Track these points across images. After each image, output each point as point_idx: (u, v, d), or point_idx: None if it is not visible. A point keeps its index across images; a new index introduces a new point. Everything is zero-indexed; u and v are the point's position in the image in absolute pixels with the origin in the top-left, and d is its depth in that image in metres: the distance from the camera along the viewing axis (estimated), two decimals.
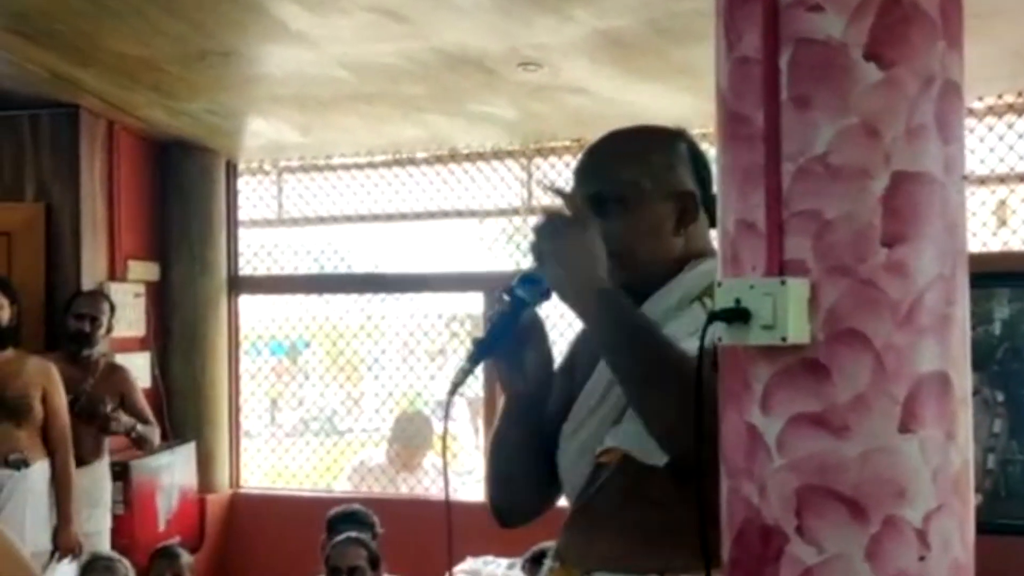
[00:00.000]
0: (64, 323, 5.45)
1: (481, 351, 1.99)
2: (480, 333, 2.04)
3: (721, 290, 1.59)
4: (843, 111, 1.53)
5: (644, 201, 1.98)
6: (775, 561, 1.55)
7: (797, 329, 1.52)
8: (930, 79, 1.55)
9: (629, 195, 1.98)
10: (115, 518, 5.48)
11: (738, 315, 1.55)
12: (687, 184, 2.01)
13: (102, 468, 5.44)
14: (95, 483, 5.36)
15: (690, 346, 1.76)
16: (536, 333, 2.05)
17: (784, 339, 1.52)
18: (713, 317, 1.58)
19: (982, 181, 5.35)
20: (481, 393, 6.53)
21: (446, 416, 2.11)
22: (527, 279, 2.01)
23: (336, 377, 7.80)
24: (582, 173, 2.07)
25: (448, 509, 2.00)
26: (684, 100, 4.93)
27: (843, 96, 1.53)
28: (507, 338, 2.01)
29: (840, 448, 1.52)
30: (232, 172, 6.75)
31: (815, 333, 1.53)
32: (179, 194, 6.47)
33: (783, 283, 1.53)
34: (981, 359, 4.93)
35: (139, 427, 5.35)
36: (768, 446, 1.56)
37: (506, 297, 2.01)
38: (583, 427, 1.98)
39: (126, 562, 4.72)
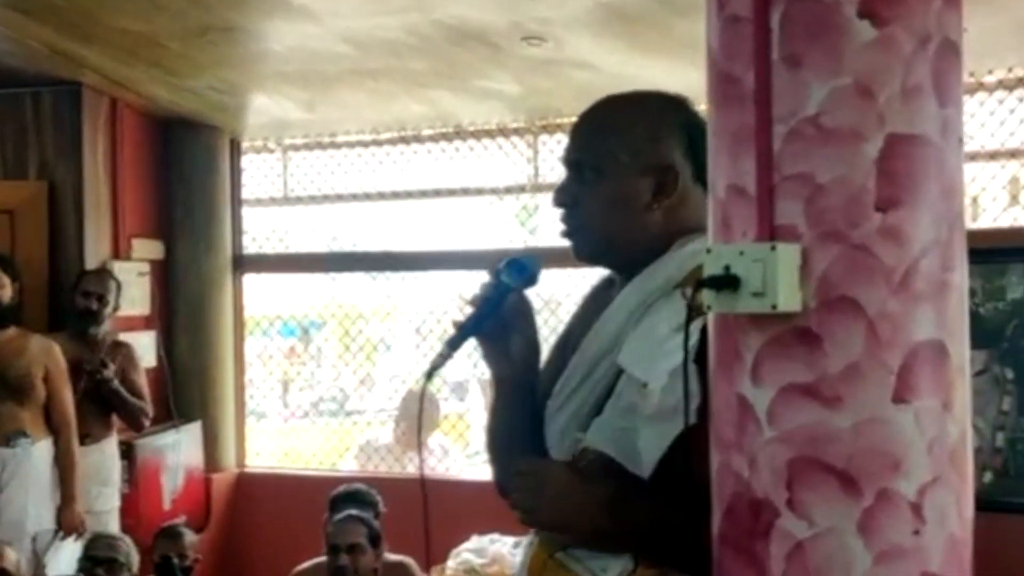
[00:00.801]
0: (71, 301, 5.43)
1: (461, 335, 1.97)
2: (461, 317, 2.01)
3: (710, 256, 1.55)
4: (836, 71, 1.48)
5: (618, 173, 1.94)
6: (765, 535, 1.51)
7: (788, 296, 1.48)
8: (926, 38, 1.50)
9: (603, 166, 1.95)
10: (122, 497, 5.47)
11: (727, 282, 1.51)
12: (669, 158, 1.94)
13: (111, 446, 5.42)
14: (104, 461, 5.35)
15: (671, 346, 1.73)
16: (521, 317, 2.02)
17: (774, 307, 1.48)
18: (700, 285, 1.54)
19: (992, 156, 5.28)
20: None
21: (421, 399, 2.09)
22: (514, 264, 1.98)
23: (342, 357, 7.79)
24: (570, 137, 2.05)
25: (424, 489, 2.00)
26: (690, 74, 4.84)
27: (836, 55, 1.48)
28: (490, 323, 1.98)
29: (832, 419, 1.48)
30: (236, 150, 6.71)
31: (807, 300, 1.49)
32: (183, 172, 6.43)
33: (773, 249, 1.48)
34: (991, 336, 4.88)
35: (129, 397, 5.33)
36: (758, 417, 1.52)
37: (490, 281, 1.98)
38: (565, 407, 1.95)
39: (129, 540, 4.69)
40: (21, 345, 5.00)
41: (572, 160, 2.01)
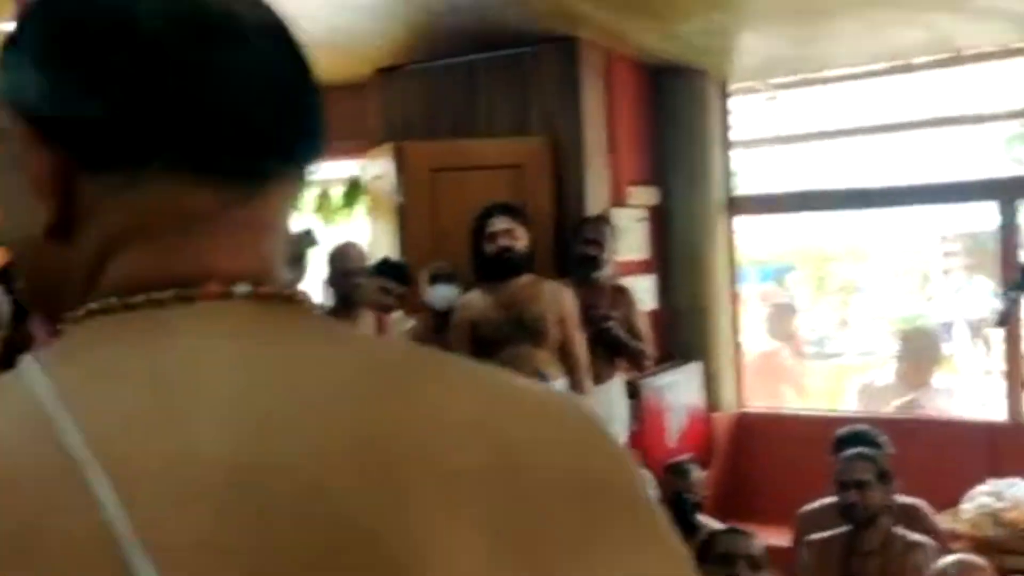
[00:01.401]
0: (574, 249, 5.69)
1: None
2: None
3: None
4: None
5: None
6: None
7: None
8: None
9: None
10: (630, 434, 5.70)
11: None
12: None
13: (616, 386, 5.64)
14: (610, 400, 5.57)
15: None
16: None
17: None
18: None
19: None
20: (987, 314, 6.17)
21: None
22: None
23: (817, 299, 7.70)
24: None
25: None
26: None
27: None
28: None
29: None
30: (723, 93, 6.74)
31: None
32: (672, 118, 6.55)
33: None
34: None
35: (630, 341, 5.52)
36: None
37: None
38: None
39: (646, 472, 4.88)
40: (536, 291, 5.27)
41: None
